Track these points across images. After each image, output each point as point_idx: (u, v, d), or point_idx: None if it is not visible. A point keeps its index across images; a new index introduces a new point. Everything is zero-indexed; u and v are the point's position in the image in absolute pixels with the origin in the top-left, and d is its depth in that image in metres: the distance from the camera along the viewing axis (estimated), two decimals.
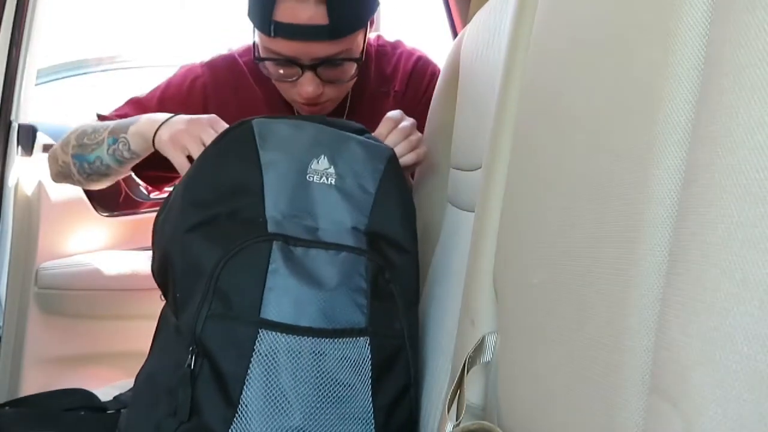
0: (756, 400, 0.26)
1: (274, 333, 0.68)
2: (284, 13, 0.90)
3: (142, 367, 0.78)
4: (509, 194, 0.59)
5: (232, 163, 0.76)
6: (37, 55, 1.43)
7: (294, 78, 0.97)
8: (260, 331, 0.68)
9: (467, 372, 0.57)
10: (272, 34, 0.92)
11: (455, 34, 1.54)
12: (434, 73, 1.16)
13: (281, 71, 0.98)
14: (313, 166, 0.76)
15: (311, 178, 0.76)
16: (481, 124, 0.76)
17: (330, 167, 0.76)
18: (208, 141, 0.82)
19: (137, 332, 1.53)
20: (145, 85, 1.16)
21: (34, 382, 1.45)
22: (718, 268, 0.28)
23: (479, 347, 0.59)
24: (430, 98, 1.11)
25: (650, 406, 0.32)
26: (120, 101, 1.15)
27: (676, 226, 0.32)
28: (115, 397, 0.95)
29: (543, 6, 0.56)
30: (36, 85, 1.49)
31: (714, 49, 0.31)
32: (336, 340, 0.70)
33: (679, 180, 0.32)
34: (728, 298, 0.28)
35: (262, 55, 0.97)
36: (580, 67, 0.45)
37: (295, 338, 0.69)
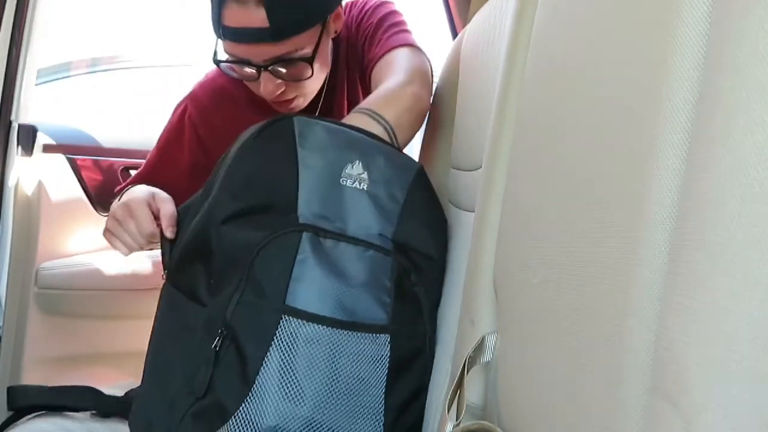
0: (756, 400, 0.27)
1: (296, 320, 0.70)
2: (229, 18, 0.92)
3: (149, 355, 0.80)
4: (509, 194, 0.59)
5: (270, 159, 0.77)
6: (37, 55, 1.43)
7: (255, 78, 0.99)
8: (283, 317, 0.70)
9: (467, 372, 0.57)
10: (223, 38, 0.96)
11: (455, 34, 1.54)
12: (351, 4, 1.16)
13: (242, 72, 1.00)
14: (348, 170, 0.78)
15: (344, 182, 0.77)
16: (481, 124, 0.76)
17: (364, 173, 0.78)
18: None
19: (137, 332, 1.53)
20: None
21: (33, 382, 1.44)
22: (718, 268, 0.28)
23: (479, 347, 0.59)
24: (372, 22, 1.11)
25: (650, 406, 0.32)
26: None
27: (676, 226, 0.32)
28: (126, 393, 0.96)
29: (543, 6, 0.56)
30: (36, 85, 1.49)
31: (714, 48, 0.31)
32: (355, 334, 0.72)
33: (679, 180, 0.32)
34: (728, 298, 0.28)
35: (220, 57, 1.00)
36: (580, 67, 0.45)
37: (314, 326, 0.71)
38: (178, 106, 1.16)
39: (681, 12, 0.33)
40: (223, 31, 0.94)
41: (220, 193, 0.76)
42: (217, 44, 0.99)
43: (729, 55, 0.29)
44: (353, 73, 1.13)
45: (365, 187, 0.78)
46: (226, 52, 0.98)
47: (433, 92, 1.11)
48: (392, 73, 0.99)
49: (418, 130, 1.00)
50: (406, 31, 1.08)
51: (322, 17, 0.98)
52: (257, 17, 0.91)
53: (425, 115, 1.01)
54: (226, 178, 0.77)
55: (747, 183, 0.27)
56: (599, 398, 0.37)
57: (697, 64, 0.32)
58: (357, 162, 0.78)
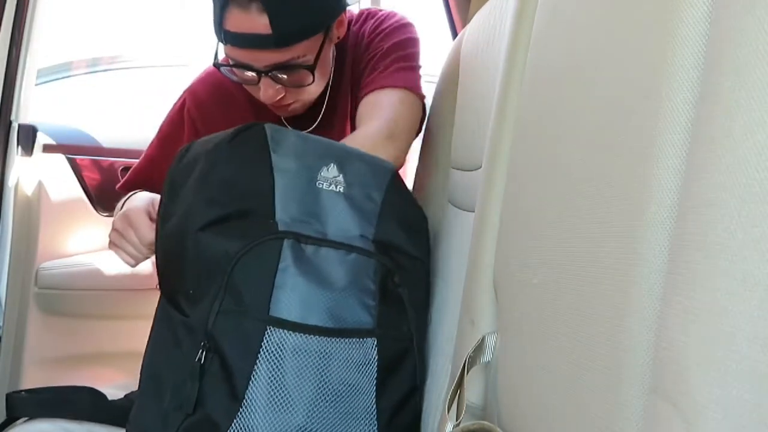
0: (756, 400, 0.26)
1: (281, 330, 0.70)
2: (232, 23, 0.91)
3: (144, 363, 0.79)
4: (509, 194, 0.59)
5: (245, 164, 0.77)
6: (37, 55, 1.43)
7: (255, 82, 0.98)
8: (268, 328, 0.69)
9: (467, 372, 0.57)
10: (224, 42, 0.95)
11: (455, 34, 1.54)
12: (369, 13, 1.12)
13: (243, 76, 0.99)
14: (323, 173, 0.77)
15: (320, 185, 0.77)
16: (481, 124, 0.76)
17: (339, 175, 0.78)
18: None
19: (137, 332, 1.52)
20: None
21: (34, 382, 1.44)
22: (718, 268, 0.28)
23: (479, 347, 0.59)
24: (378, 34, 1.08)
25: (650, 406, 0.32)
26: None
27: (676, 226, 0.32)
28: (126, 395, 0.96)
29: (543, 6, 0.56)
30: (36, 85, 1.49)
31: (714, 48, 0.31)
32: (342, 340, 0.72)
33: (679, 180, 0.32)
34: (728, 297, 0.28)
35: (221, 60, 0.99)
36: (579, 67, 0.45)
37: (302, 336, 0.70)
38: (178, 100, 1.16)
39: (681, 12, 0.33)
40: (224, 35, 0.93)
41: (194, 198, 0.75)
42: (217, 46, 0.98)
43: (729, 54, 0.29)
44: (357, 81, 1.12)
45: (341, 190, 0.77)
46: (227, 55, 0.97)
47: (434, 92, 1.10)
48: (378, 118, 0.97)
49: None
50: (414, 68, 1.05)
51: (325, 25, 0.97)
52: (260, 24, 0.90)
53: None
54: (201, 184, 0.76)
55: (747, 183, 0.27)
56: (599, 398, 0.37)
57: (696, 64, 0.32)
58: (332, 165, 0.78)
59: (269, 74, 0.96)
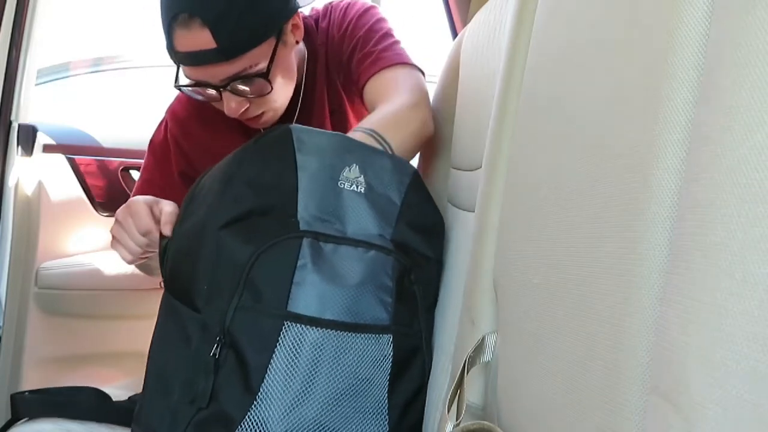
0: (756, 400, 0.26)
1: (299, 325, 0.70)
2: (179, 43, 0.92)
3: (149, 360, 0.80)
4: (509, 194, 0.59)
5: (270, 161, 0.78)
6: (37, 55, 1.43)
7: (218, 99, 0.99)
8: (285, 323, 0.70)
9: (467, 372, 0.57)
10: (177, 63, 0.96)
11: (455, 34, 1.55)
12: (332, 8, 1.13)
13: (205, 93, 1.00)
14: (345, 173, 0.78)
15: (342, 185, 0.78)
16: (481, 124, 0.76)
17: (360, 176, 0.79)
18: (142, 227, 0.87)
19: (137, 332, 1.53)
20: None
21: (34, 382, 1.45)
22: (718, 268, 0.28)
23: (479, 347, 0.59)
24: (353, 25, 1.08)
25: (650, 406, 0.32)
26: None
27: (676, 225, 0.32)
28: (129, 398, 0.97)
29: (543, 6, 0.56)
30: (36, 85, 1.49)
31: (714, 48, 0.31)
32: (359, 335, 0.73)
33: (679, 180, 0.32)
34: (728, 297, 0.28)
35: (181, 82, 1.00)
36: (580, 67, 0.45)
37: (319, 331, 0.71)
38: (160, 123, 1.17)
39: (681, 12, 0.33)
40: (176, 56, 0.95)
41: (219, 196, 0.76)
42: (178, 69, 0.99)
43: (729, 54, 0.29)
44: (334, 79, 1.12)
45: (362, 190, 0.78)
46: (186, 76, 0.98)
47: (434, 93, 1.10)
48: (397, 93, 0.97)
49: (417, 153, 0.99)
50: (398, 43, 1.06)
51: (273, 31, 0.96)
52: (203, 39, 0.91)
53: (428, 140, 0.99)
54: (226, 181, 0.77)
55: (746, 183, 0.27)
56: (599, 398, 0.37)
57: (696, 64, 0.32)
58: (354, 165, 0.78)
59: (227, 88, 0.96)
